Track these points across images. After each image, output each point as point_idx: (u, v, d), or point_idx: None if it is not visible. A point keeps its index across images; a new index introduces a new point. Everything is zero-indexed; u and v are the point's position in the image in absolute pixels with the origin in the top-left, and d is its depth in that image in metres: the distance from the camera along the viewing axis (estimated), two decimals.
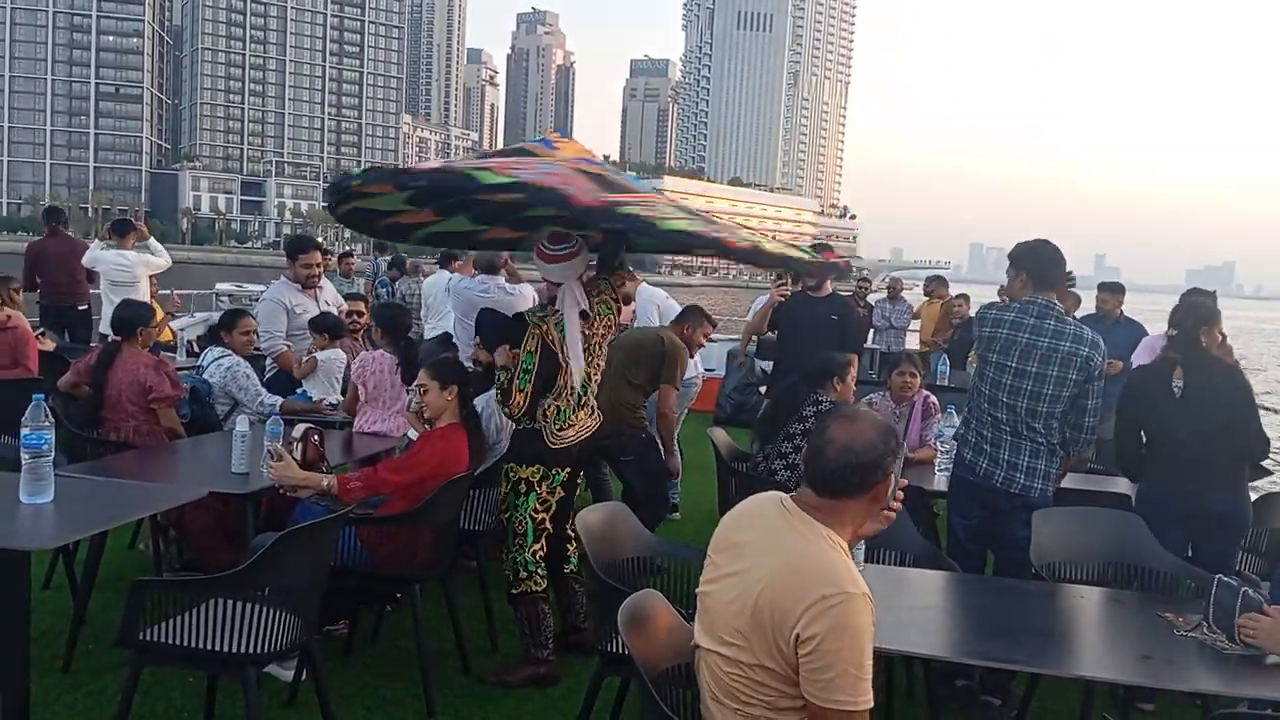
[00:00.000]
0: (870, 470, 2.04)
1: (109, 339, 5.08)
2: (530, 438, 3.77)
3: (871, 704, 1.92)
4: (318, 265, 6.13)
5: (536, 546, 3.83)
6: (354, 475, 3.78)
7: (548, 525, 3.85)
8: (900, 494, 2.19)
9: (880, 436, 2.06)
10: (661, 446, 5.51)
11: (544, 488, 3.80)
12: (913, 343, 11.67)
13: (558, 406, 3.73)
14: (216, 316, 6.77)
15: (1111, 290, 7.47)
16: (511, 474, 3.83)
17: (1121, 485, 4.74)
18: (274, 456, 3.67)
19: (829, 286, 6.17)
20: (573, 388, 3.75)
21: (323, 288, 6.26)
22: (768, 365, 8.53)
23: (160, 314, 7.37)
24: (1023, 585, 3.48)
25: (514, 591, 3.85)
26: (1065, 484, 4.21)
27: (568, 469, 3.86)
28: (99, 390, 4.69)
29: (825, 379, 4.87)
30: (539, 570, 3.85)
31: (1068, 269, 4.03)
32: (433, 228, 4.08)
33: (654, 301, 7.30)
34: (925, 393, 5.54)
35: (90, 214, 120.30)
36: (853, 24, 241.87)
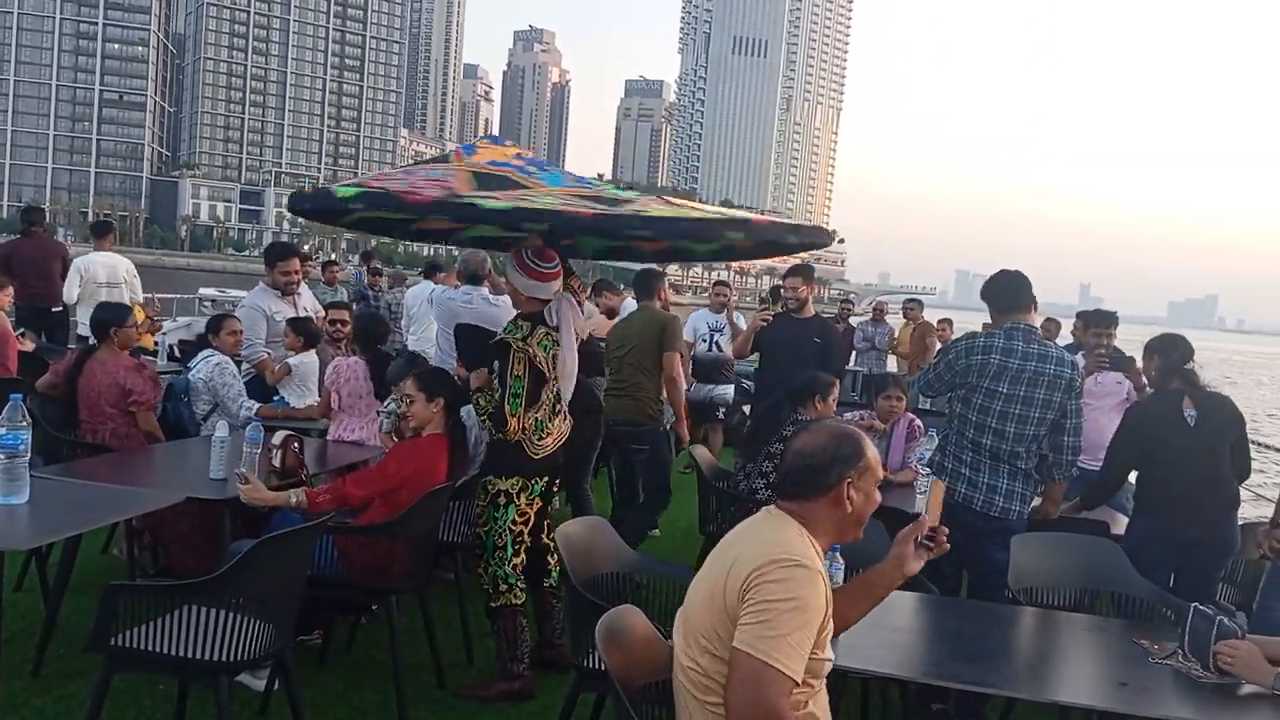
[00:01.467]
0: (818, 473, 2.09)
1: (89, 341, 5.06)
2: (509, 450, 3.76)
3: (790, 675, 1.88)
4: (296, 272, 6.14)
5: (517, 560, 3.82)
6: (322, 490, 3.76)
7: (526, 538, 3.83)
8: (936, 531, 2.31)
9: (831, 441, 2.12)
10: (673, 414, 5.90)
11: (523, 499, 3.79)
12: (894, 365, 11.74)
13: (537, 418, 3.74)
14: (198, 321, 6.75)
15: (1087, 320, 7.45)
16: (490, 486, 3.81)
17: (1098, 511, 4.76)
18: (242, 480, 3.62)
19: (811, 309, 6.16)
20: (552, 398, 3.76)
21: (301, 294, 6.25)
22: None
23: (141, 316, 7.32)
24: (1000, 609, 3.48)
25: (493, 605, 3.83)
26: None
27: (546, 478, 3.87)
28: (70, 392, 4.66)
29: (808, 397, 4.89)
30: (519, 584, 3.83)
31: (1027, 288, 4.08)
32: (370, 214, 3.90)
33: None
34: (910, 415, 5.55)
35: (90, 218, 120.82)
36: (846, 52, 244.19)
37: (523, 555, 3.83)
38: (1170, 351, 4.16)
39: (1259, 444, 4.37)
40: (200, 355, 5.35)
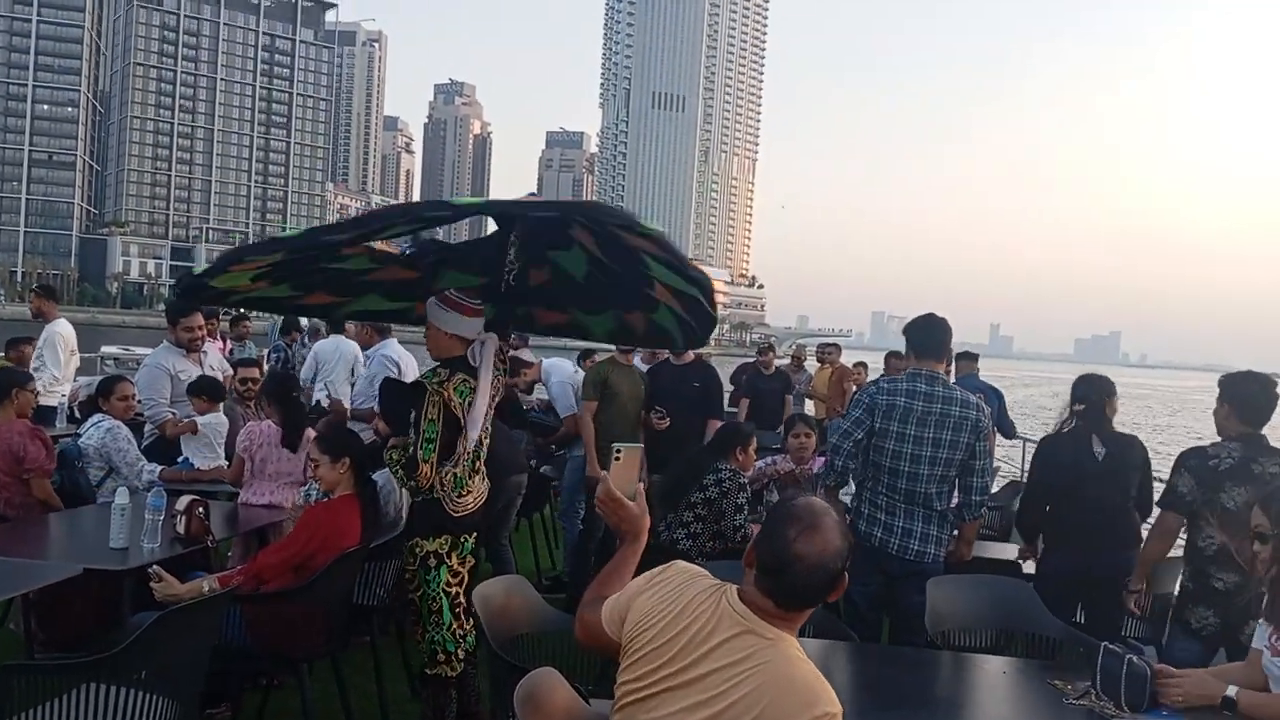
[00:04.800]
0: (841, 575, 1.95)
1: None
2: (430, 508, 3.64)
3: None
4: (200, 329, 5.96)
5: (456, 625, 3.69)
6: (234, 572, 3.64)
7: (463, 599, 3.69)
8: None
9: (845, 540, 1.95)
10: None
11: (454, 558, 3.68)
12: (811, 409, 11.85)
13: (455, 474, 3.61)
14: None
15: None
16: (418, 549, 3.67)
17: (1010, 551, 4.86)
18: (155, 578, 3.44)
19: (690, 354, 6.19)
20: (468, 452, 3.63)
21: (206, 352, 6.08)
22: None
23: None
24: (919, 654, 3.51)
25: (428, 672, 3.71)
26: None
27: (474, 535, 3.77)
28: None
29: (731, 447, 4.90)
30: (458, 651, 3.70)
31: (947, 339, 4.20)
32: (254, 294, 3.92)
33: (570, 384, 6.83)
34: (824, 457, 5.60)
35: (20, 278, 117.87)
36: (759, 107, 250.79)
37: (461, 619, 3.70)
38: (1086, 394, 4.25)
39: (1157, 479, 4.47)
40: (91, 420, 5.15)
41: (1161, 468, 4.28)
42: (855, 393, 10.12)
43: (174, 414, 5.64)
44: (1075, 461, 4.13)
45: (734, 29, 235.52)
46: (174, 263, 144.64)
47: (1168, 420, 41.83)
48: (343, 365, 7.41)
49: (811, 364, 12.23)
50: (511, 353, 7.06)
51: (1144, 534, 4.17)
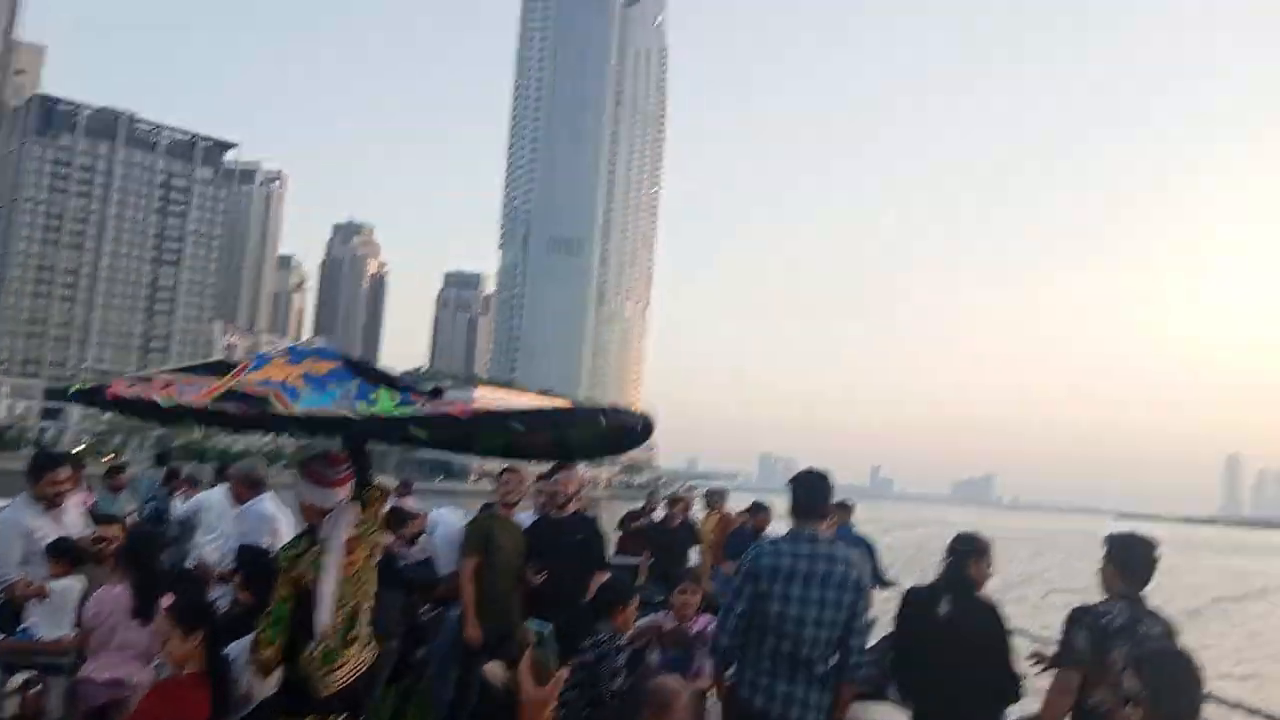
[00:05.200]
0: None
1: None
2: (294, 687, 3.44)
3: None
4: (65, 482, 5.59)
5: None
6: None
7: None
8: None
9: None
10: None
11: None
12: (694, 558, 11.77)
13: (326, 646, 3.43)
14: None
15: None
16: None
17: (886, 712, 4.86)
18: None
19: (571, 506, 6.15)
20: (330, 631, 3.45)
21: (67, 510, 5.74)
22: None
23: None
24: None
25: None
26: None
27: (345, 714, 3.55)
28: None
29: (615, 606, 4.82)
30: None
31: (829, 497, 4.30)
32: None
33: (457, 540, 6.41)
34: (709, 617, 5.54)
35: None
36: (652, 250, 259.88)
37: None
38: (954, 549, 4.36)
39: (1034, 636, 4.53)
40: None
41: (1017, 613, 4.35)
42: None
43: (23, 576, 5.26)
44: (925, 617, 4.22)
45: (630, 174, 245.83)
46: (47, 403, 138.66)
47: (1030, 563, 43.31)
48: (229, 519, 7.02)
49: (698, 508, 12.21)
50: (394, 502, 6.90)
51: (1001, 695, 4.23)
